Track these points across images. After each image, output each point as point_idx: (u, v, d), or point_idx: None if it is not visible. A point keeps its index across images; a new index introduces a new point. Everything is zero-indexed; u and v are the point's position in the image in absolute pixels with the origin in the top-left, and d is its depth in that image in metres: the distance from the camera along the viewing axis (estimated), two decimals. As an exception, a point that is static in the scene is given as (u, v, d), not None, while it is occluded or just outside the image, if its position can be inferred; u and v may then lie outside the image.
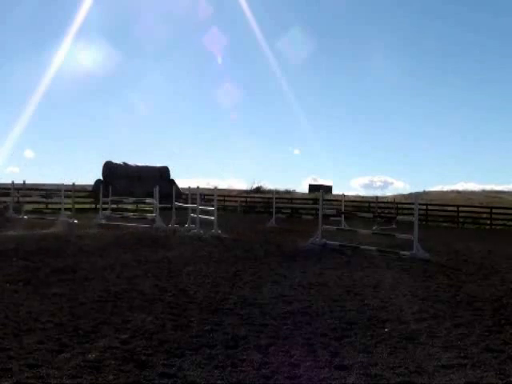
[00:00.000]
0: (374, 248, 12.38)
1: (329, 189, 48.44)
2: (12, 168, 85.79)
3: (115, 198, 22.56)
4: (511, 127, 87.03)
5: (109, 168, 38.34)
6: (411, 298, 7.05)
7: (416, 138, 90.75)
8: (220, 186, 39.04)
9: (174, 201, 18.58)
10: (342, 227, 18.72)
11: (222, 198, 32.91)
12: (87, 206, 28.02)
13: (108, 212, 21.19)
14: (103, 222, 19.35)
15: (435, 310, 6.38)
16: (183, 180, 76.95)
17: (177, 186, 23.79)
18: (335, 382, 3.89)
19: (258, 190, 50.96)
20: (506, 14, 77.09)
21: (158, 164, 42.36)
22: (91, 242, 12.52)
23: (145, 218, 19.71)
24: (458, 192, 48.99)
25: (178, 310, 6.02)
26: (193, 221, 16.86)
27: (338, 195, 38.36)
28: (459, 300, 7.02)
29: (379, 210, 27.90)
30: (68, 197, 22.58)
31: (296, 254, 11.71)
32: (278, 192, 44.34)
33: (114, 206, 25.41)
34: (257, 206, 35.12)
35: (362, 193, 58.51)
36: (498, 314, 6.26)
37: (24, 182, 22.23)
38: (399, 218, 20.15)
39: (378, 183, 77.97)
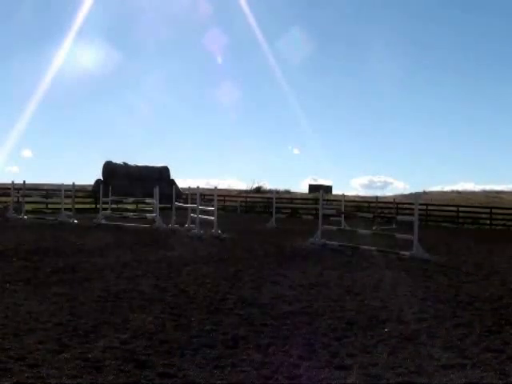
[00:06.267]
0: (373, 248, 12.38)
1: (329, 189, 48.44)
2: (11, 168, 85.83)
3: (115, 197, 22.56)
4: (511, 127, 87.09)
5: (109, 168, 38.37)
6: (411, 298, 7.05)
7: (416, 138, 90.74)
8: (220, 186, 39.03)
9: (173, 201, 18.58)
10: (342, 227, 18.72)
11: (222, 198, 32.88)
12: (87, 205, 28.00)
13: (108, 212, 21.18)
14: (103, 221, 19.35)
15: (435, 310, 6.38)
16: (183, 180, 76.94)
17: (177, 186, 23.79)
18: (335, 381, 3.89)
19: (258, 190, 50.95)
20: (505, 15, 77.16)
21: (158, 164, 42.42)
22: (91, 242, 12.52)
23: (145, 218, 19.72)
24: (458, 192, 49.00)
25: (178, 310, 6.01)
26: (193, 221, 16.86)
27: (338, 195, 38.38)
28: (459, 300, 7.02)
29: (379, 210, 27.87)
30: (68, 197, 22.57)
31: (296, 254, 11.71)
32: (277, 192, 44.34)
33: (114, 205, 25.41)
34: (257, 205, 35.08)
35: (362, 193, 58.56)
36: (498, 313, 6.26)
37: (24, 182, 22.21)
38: (399, 218, 20.14)
39: (378, 183, 77.94)
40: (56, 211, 22.84)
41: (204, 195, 26.23)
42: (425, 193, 46.17)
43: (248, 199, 36.75)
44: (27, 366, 3.98)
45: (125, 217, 20.85)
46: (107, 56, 72.26)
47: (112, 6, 74.87)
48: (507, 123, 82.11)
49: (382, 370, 4.13)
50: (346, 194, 29.61)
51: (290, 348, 4.64)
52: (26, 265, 8.91)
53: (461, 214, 27.36)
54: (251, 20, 70.34)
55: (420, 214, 16.03)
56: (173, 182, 37.57)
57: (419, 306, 6.58)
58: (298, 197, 42.84)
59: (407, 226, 14.87)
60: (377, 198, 29.09)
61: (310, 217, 28.89)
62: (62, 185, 21.63)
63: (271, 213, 22.25)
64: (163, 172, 41.69)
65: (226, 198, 36.15)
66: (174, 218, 17.80)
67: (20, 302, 6.16)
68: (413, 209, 13.12)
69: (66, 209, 20.81)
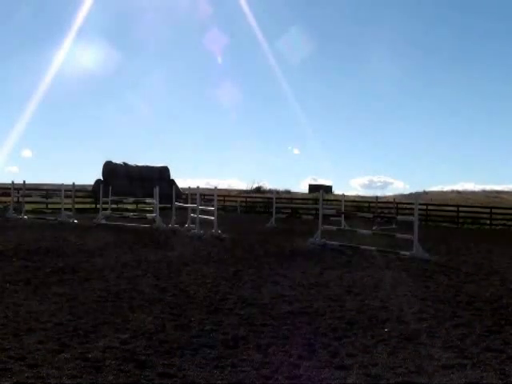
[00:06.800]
0: (373, 248, 12.38)
1: (329, 189, 48.45)
2: (11, 168, 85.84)
3: (115, 197, 22.56)
4: (511, 127, 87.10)
5: (109, 168, 38.33)
6: (411, 298, 7.05)
7: (416, 138, 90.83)
8: (220, 186, 39.04)
9: (174, 201, 18.58)
10: (342, 227, 18.71)
11: (222, 198, 32.88)
12: (87, 205, 28.00)
13: (108, 212, 21.19)
14: (103, 221, 19.35)
15: (435, 310, 6.38)
16: (183, 180, 77.05)
17: (177, 186, 23.80)
18: (335, 382, 3.89)
19: (258, 189, 50.95)
20: (505, 16, 77.20)
21: (158, 164, 42.40)
22: (91, 242, 12.51)
23: (145, 218, 19.71)
24: (458, 192, 49.05)
25: (177, 310, 6.02)
26: (193, 221, 16.86)
27: (338, 195, 38.38)
28: (459, 300, 7.02)
29: (379, 210, 27.87)
30: (68, 197, 22.57)
31: (296, 254, 11.70)
32: (277, 192, 44.32)
33: (114, 205, 25.41)
34: (257, 205, 35.07)
35: (362, 193, 58.58)
36: (498, 313, 6.26)
37: (24, 182, 22.22)
38: (399, 218, 20.14)
39: (378, 183, 77.98)
40: (56, 211, 22.83)
41: (204, 195, 26.24)
42: (425, 193, 46.21)
43: (248, 199, 36.74)
44: (27, 365, 3.98)
45: (125, 217, 20.85)
46: (107, 56, 72.36)
47: (112, 5, 74.98)
48: (507, 123, 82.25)
49: (382, 370, 4.13)
50: (346, 193, 29.68)
51: (290, 348, 4.64)
52: (26, 265, 8.91)
53: (461, 214, 27.35)
54: (251, 20, 70.52)
55: (420, 214, 16.04)
56: (173, 182, 37.59)
57: (419, 306, 6.58)
58: (298, 197, 42.83)
59: (407, 226, 14.87)
60: (377, 198, 29.13)
61: (310, 217, 28.88)
62: (62, 185, 21.63)
63: (271, 213, 22.25)
64: (163, 172, 41.67)
65: (226, 198, 36.14)
66: (174, 217, 17.80)
67: (20, 302, 6.16)
68: (413, 209, 13.12)
69: (66, 209, 20.80)
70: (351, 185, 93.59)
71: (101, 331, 5.00)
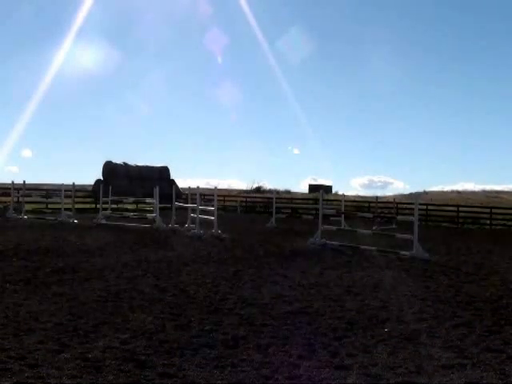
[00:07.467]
0: (374, 248, 12.37)
1: (329, 189, 48.44)
2: (11, 167, 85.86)
3: (115, 197, 22.55)
4: (511, 127, 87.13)
5: (109, 168, 38.33)
6: (411, 298, 7.05)
7: (416, 138, 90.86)
8: (220, 186, 39.01)
9: (174, 201, 18.58)
10: (342, 227, 18.70)
11: (222, 198, 32.86)
12: (87, 205, 28.00)
13: (108, 212, 21.18)
14: (103, 221, 19.35)
15: (435, 310, 6.38)
16: (183, 180, 77.15)
17: (177, 186, 23.79)
18: (335, 382, 3.89)
19: (258, 189, 50.93)
20: (505, 17, 77.22)
21: (158, 164, 42.40)
22: (91, 242, 12.51)
23: (145, 218, 19.71)
24: (458, 192, 49.07)
25: (177, 309, 6.02)
26: (193, 221, 16.86)
27: (338, 195, 38.39)
28: (459, 300, 7.02)
29: (379, 210, 27.85)
30: (68, 197, 22.57)
31: (296, 254, 11.70)
32: (277, 192, 44.30)
33: (114, 205, 25.40)
34: (257, 206, 35.05)
35: (362, 193, 58.59)
36: (498, 313, 6.26)
37: (24, 182, 22.22)
38: (399, 218, 20.13)
39: (378, 183, 77.91)
40: (56, 211, 22.83)
41: (204, 195, 26.23)
42: (425, 193, 46.22)
43: (248, 199, 36.71)
44: (27, 365, 3.98)
45: (125, 217, 20.84)
46: (107, 56, 72.35)
47: (112, 5, 74.95)
48: (507, 123, 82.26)
49: (382, 370, 4.13)
50: (346, 193, 29.69)
51: (290, 348, 4.64)
52: (26, 265, 8.91)
53: (461, 214, 27.32)
54: (251, 20, 70.52)
55: (420, 214, 16.02)
56: (173, 182, 37.56)
57: (419, 306, 6.58)
58: (298, 197, 42.79)
59: (407, 226, 14.87)
60: (377, 198, 29.09)
61: (310, 217, 28.87)
62: (62, 185, 21.62)
63: (271, 213, 22.24)
64: (163, 172, 41.67)
65: (226, 198, 36.11)
66: (173, 217, 17.80)
67: (20, 301, 6.16)
68: (413, 209, 13.12)
69: (66, 209, 20.80)
70: (351, 185, 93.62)
71: (101, 331, 5.00)
